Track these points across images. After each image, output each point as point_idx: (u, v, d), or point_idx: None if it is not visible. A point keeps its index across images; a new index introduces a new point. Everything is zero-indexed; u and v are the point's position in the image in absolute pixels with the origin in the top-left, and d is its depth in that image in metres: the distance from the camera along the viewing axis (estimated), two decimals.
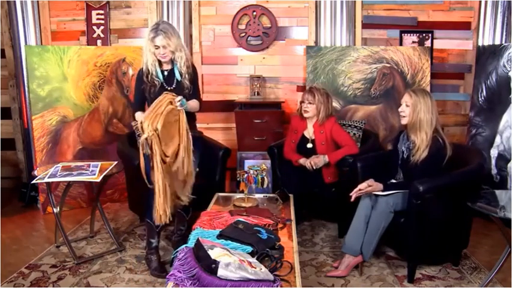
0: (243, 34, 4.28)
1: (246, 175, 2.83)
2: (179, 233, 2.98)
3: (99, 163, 3.07)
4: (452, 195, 2.61)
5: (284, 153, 3.46)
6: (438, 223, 2.64)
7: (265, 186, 2.93)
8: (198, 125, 2.96)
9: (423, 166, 2.63)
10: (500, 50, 3.72)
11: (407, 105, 2.70)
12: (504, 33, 3.94)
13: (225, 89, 4.38)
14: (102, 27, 4.32)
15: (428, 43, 4.18)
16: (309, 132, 3.41)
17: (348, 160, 3.18)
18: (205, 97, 4.16)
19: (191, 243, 1.97)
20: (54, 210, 2.94)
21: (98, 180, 2.80)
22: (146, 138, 2.32)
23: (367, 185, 2.65)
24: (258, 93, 4.18)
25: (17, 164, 4.44)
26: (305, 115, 3.36)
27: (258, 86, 4.18)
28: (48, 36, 4.33)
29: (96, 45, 4.29)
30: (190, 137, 2.55)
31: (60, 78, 3.80)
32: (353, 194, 2.67)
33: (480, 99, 3.79)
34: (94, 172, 2.88)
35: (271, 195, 3.04)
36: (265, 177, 2.86)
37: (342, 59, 4.11)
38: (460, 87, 4.29)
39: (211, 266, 1.64)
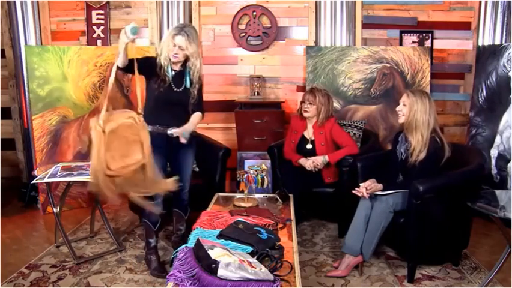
0: (243, 34, 4.27)
1: (246, 175, 2.83)
2: (179, 233, 2.98)
3: None
4: (452, 195, 2.61)
5: (284, 153, 3.46)
6: (438, 223, 2.64)
7: (265, 186, 2.93)
8: (198, 125, 2.95)
9: (421, 166, 2.64)
10: (500, 50, 3.72)
11: (404, 105, 2.71)
12: (504, 33, 3.94)
13: (225, 89, 4.38)
14: (102, 27, 4.32)
15: (428, 43, 4.18)
16: (308, 133, 3.41)
17: (348, 160, 3.18)
18: (205, 97, 4.07)
19: (191, 243, 1.97)
20: (54, 210, 2.95)
21: None
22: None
23: (370, 183, 2.68)
24: (258, 93, 4.18)
25: (17, 164, 4.43)
26: (305, 115, 3.36)
27: (258, 86, 4.18)
28: (48, 36, 4.33)
29: (96, 45, 4.29)
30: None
31: (60, 78, 3.80)
32: (359, 193, 2.69)
33: (480, 99, 3.79)
34: None
35: (271, 195, 3.03)
36: (265, 177, 2.86)
37: (342, 59, 4.11)
38: (460, 87, 4.29)
39: (211, 266, 1.64)
